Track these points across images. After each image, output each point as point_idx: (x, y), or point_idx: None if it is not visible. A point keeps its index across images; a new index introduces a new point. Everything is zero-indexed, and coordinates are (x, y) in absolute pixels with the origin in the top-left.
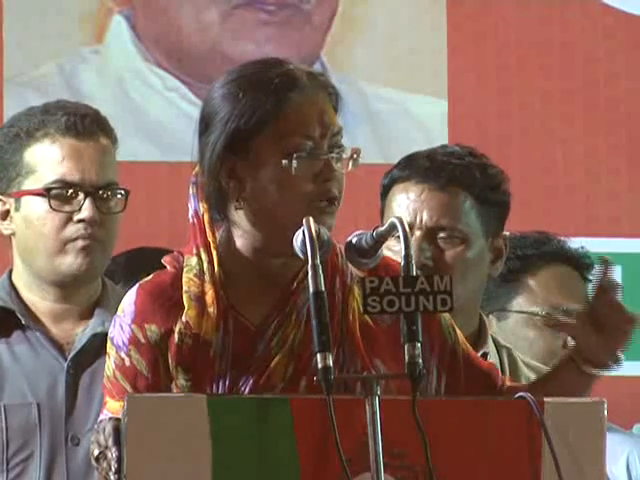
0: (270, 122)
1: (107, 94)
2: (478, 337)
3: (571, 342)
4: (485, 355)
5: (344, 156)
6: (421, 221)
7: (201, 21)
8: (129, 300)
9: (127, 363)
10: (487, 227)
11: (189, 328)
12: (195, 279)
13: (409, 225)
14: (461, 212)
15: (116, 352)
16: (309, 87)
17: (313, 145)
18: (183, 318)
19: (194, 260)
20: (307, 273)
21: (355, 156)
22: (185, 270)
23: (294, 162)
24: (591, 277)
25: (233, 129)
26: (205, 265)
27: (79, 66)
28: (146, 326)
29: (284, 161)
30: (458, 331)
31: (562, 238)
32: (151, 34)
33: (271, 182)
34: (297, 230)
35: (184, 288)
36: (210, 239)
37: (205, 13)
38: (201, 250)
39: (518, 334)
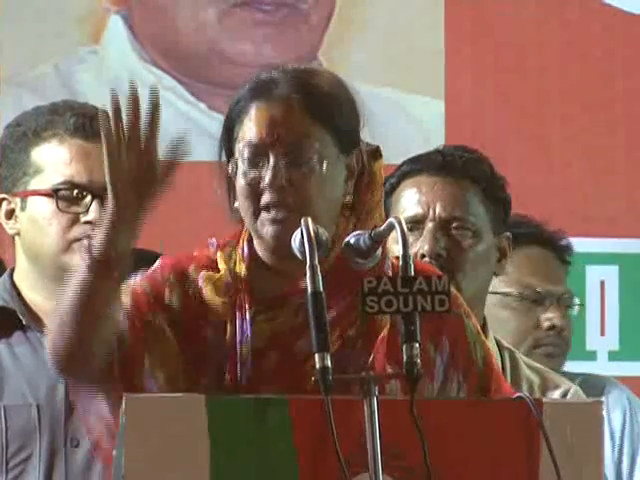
0: (235, 127)
1: (104, 94)
2: None
3: (544, 323)
4: None
5: (305, 163)
6: (434, 212)
7: (198, 21)
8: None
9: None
10: (494, 224)
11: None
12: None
13: (421, 217)
14: (473, 205)
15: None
16: (275, 95)
17: (252, 152)
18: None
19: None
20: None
21: (314, 163)
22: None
23: (234, 168)
24: (568, 259)
25: (222, 131)
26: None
27: (76, 66)
28: (167, 275)
29: (230, 167)
30: (491, 361)
31: (539, 222)
32: (148, 34)
33: (237, 186)
34: (255, 237)
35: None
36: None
37: (202, 13)
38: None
39: (493, 315)
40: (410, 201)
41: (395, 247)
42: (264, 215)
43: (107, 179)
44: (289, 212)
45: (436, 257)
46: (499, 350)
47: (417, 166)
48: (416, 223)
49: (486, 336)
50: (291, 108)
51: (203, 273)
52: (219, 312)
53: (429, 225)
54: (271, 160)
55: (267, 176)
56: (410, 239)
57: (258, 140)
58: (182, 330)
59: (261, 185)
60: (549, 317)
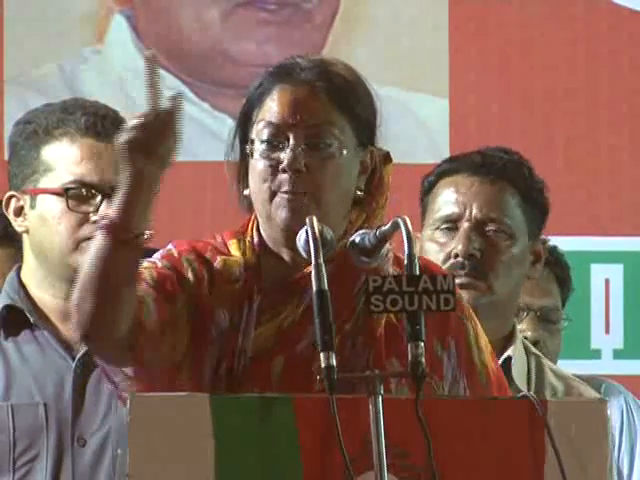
0: (254, 110)
1: (108, 94)
2: (508, 340)
3: (526, 332)
4: (509, 359)
5: (325, 148)
6: (470, 213)
7: (202, 20)
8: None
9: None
10: (530, 227)
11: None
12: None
13: (457, 217)
14: (509, 207)
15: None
16: (299, 78)
17: (272, 133)
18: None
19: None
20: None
21: (334, 150)
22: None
23: (251, 148)
24: (560, 273)
25: (239, 116)
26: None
27: (80, 66)
28: (184, 255)
29: (247, 147)
30: (490, 366)
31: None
32: (152, 34)
33: (251, 168)
34: (266, 222)
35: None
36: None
37: (206, 12)
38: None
39: None
40: (447, 200)
41: (430, 246)
42: (279, 198)
43: (124, 141)
44: (304, 198)
45: (469, 257)
46: (526, 355)
47: (455, 165)
48: (452, 222)
49: (513, 341)
50: (315, 93)
51: (219, 258)
52: (231, 298)
53: (464, 225)
54: (291, 142)
55: (286, 158)
56: (444, 239)
57: (279, 121)
58: (194, 312)
59: (279, 167)
60: (521, 329)
